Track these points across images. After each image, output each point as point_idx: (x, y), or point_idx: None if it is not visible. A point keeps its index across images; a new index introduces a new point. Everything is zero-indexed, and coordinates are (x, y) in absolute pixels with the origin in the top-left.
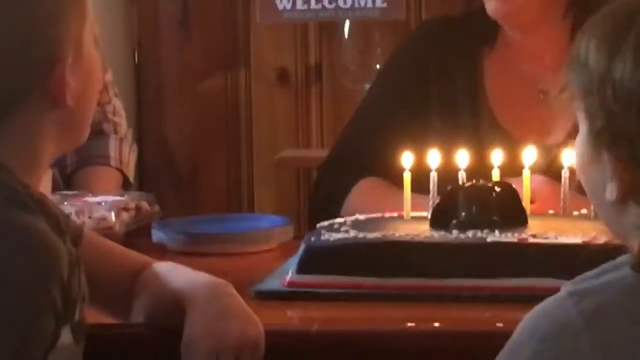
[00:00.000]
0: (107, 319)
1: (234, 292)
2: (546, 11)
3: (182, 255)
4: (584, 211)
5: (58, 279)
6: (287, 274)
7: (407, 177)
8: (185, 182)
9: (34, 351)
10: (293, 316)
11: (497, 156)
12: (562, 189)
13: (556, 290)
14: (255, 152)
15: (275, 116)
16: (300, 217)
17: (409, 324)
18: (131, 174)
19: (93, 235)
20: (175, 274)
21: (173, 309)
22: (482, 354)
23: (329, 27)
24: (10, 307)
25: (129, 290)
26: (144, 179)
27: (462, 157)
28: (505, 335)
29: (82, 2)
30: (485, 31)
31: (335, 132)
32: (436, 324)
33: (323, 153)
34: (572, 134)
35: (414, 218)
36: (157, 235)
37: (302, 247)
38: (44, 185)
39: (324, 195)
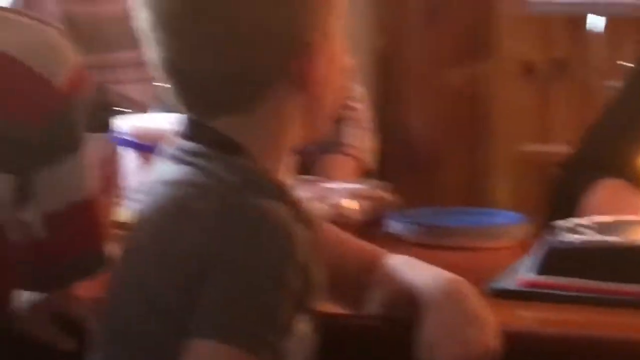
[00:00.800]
0: (340, 309)
1: (472, 290)
2: None
3: (417, 246)
4: None
5: (296, 266)
6: (522, 272)
7: None
8: (424, 172)
9: (272, 336)
10: (528, 317)
11: None
12: None
13: None
14: (497, 144)
15: (518, 109)
16: (539, 213)
17: None
18: (371, 163)
19: (330, 226)
20: (410, 268)
21: (407, 303)
22: None
23: (576, 21)
24: (248, 291)
25: (363, 281)
26: (384, 167)
27: None
28: None
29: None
30: None
31: (579, 129)
32: None
33: (566, 149)
34: None
35: None
36: (392, 225)
37: (542, 247)
38: (286, 171)
39: (562, 192)
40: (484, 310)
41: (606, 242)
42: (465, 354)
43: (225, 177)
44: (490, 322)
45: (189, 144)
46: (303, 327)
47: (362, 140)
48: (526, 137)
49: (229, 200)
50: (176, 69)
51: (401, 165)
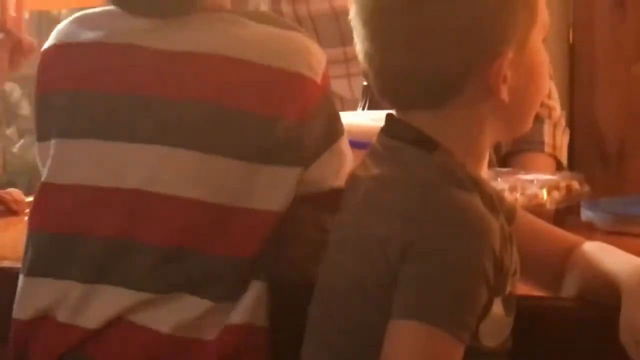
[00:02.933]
0: (537, 293)
1: None
2: None
3: (611, 234)
4: None
5: (491, 253)
6: None
7: None
8: (613, 163)
9: (469, 318)
10: None
11: None
12: None
13: None
14: None
15: None
16: None
17: None
18: (564, 159)
19: (525, 215)
20: (607, 254)
21: (605, 288)
22: None
23: None
24: (447, 277)
25: (560, 266)
26: (574, 159)
27: None
28: None
29: (534, 2)
30: None
31: None
32: None
33: None
34: None
35: None
36: (586, 214)
37: None
38: (483, 169)
39: None
40: None
41: None
42: None
43: (421, 171)
44: None
45: (389, 141)
46: (498, 310)
47: (555, 137)
48: None
49: (427, 193)
50: (375, 63)
51: (591, 157)
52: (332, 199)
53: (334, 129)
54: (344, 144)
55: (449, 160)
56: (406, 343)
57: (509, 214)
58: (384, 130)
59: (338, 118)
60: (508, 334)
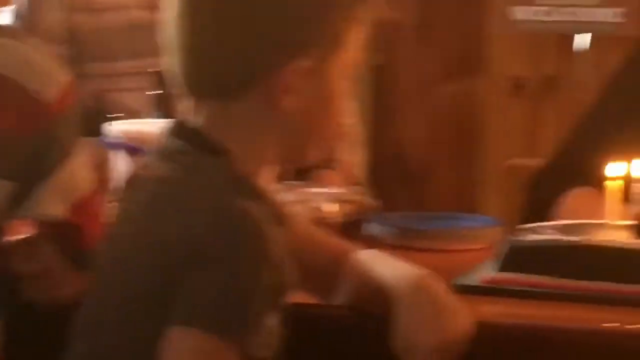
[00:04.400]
0: (312, 301)
1: (440, 282)
2: None
3: (397, 249)
4: None
5: (271, 265)
6: (485, 271)
7: (612, 185)
8: (415, 184)
9: (247, 327)
10: (490, 311)
11: None
12: None
13: None
14: (486, 158)
15: (508, 124)
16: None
17: (604, 325)
18: (358, 177)
19: (301, 221)
20: (379, 262)
21: (376, 295)
22: None
23: (566, 39)
24: (226, 286)
25: (333, 274)
26: (375, 178)
27: None
28: None
29: (342, 31)
30: None
31: None
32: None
33: None
34: None
35: (620, 226)
36: (371, 228)
37: (505, 246)
38: (269, 179)
39: (536, 199)
40: (454, 299)
41: (562, 240)
42: (441, 340)
43: (208, 176)
44: (462, 310)
45: (176, 143)
46: (274, 321)
47: (351, 154)
48: (515, 152)
49: (210, 198)
50: (182, 43)
51: (393, 178)
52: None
53: (61, 150)
54: (78, 159)
55: (235, 168)
56: (184, 350)
57: (289, 224)
58: (172, 131)
59: (68, 140)
60: (280, 345)
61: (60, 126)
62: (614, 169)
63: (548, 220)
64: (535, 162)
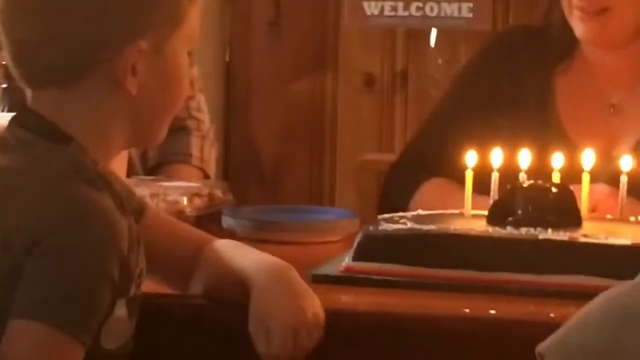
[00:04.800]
0: (165, 291)
1: (296, 273)
2: (636, 32)
3: (252, 242)
4: None
5: (117, 255)
6: (342, 260)
7: (469, 175)
8: (268, 180)
9: (90, 320)
10: (345, 300)
11: (558, 159)
12: (620, 194)
13: (603, 289)
14: (339, 154)
15: (360, 120)
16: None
17: (464, 310)
18: (212, 172)
19: (156, 211)
20: (238, 251)
21: (234, 285)
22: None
23: (416, 35)
24: (69, 276)
25: (189, 264)
26: (229, 175)
27: (524, 158)
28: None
29: (180, 8)
30: (563, 46)
31: None
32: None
33: None
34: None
35: (474, 216)
36: (227, 221)
37: (359, 235)
38: (118, 167)
39: (392, 193)
40: (309, 288)
41: (417, 229)
42: (297, 322)
43: (51, 164)
44: (314, 296)
45: (20, 131)
46: (121, 312)
47: (203, 150)
48: (368, 147)
49: (54, 187)
50: (13, 32)
51: (246, 175)
52: None
53: None
54: None
55: (80, 155)
56: (23, 345)
57: (138, 211)
58: (15, 120)
59: None
60: (130, 336)
61: None
62: (470, 159)
63: (407, 211)
64: (386, 157)
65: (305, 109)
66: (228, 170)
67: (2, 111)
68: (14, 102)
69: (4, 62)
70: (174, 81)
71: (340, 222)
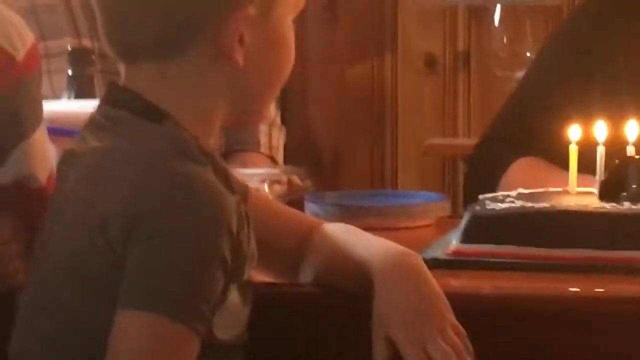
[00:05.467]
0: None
1: (422, 263)
2: None
3: None
4: None
5: (227, 233)
6: (449, 244)
7: (573, 149)
8: (327, 168)
9: (204, 307)
10: (459, 285)
11: None
12: None
13: None
14: (400, 139)
15: (421, 103)
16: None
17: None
18: (280, 158)
19: (259, 195)
20: (354, 237)
21: (352, 274)
22: None
23: (479, 12)
24: (176, 258)
25: (298, 250)
26: (286, 162)
27: (632, 129)
28: None
29: None
30: None
31: (483, 121)
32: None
33: (470, 142)
34: None
35: (580, 193)
36: (310, 207)
37: (466, 216)
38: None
39: (480, 172)
40: (435, 283)
41: (529, 207)
42: (422, 328)
43: (150, 142)
44: (442, 296)
45: (112, 110)
46: (234, 298)
47: (274, 137)
48: (431, 131)
49: (155, 164)
50: (109, 10)
51: (304, 160)
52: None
53: (36, 111)
54: (43, 133)
55: (178, 131)
56: (134, 336)
57: (243, 193)
58: (106, 99)
59: (39, 101)
60: (244, 325)
61: (32, 86)
62: (574, 133)
63: (494, 191)
64: (449, 141)
65: (364, 93)
66: (285, 158)
67: (69, 98)
68: (80, 88)
69: (70, 48)
70: (281, 50)
71: (430, 206)
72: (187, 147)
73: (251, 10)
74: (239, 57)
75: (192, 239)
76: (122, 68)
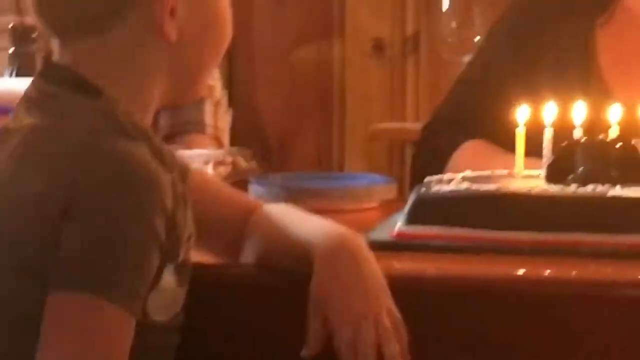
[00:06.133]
0: (216, 260)
1: (364, 245)
2: None
3: None
4: None
5: (161, 211)
6: (394, 226)
7: (520, 132)
8: (274, 151)
9: (139, 286)
10: (402, 267)
11: (616, 112)
12: None
13: None
14: (348, 123)
15: (369, 87)
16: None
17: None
18: (226, 140)
19: (201, 174)
20: (296, 217)
21: (293, 254)
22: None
23: None
24: (114, 238)
25: (239, 230)
26: (233, 144)
27: (579, 112)
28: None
29: None
30: None
31: (431, 105)
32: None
33: (418, 126)
34: None
35: (526, 176)
36: (255, 189)
37: (411, 198)
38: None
39: (427, 154)
40: (375, 266)
41: (475, 189)
42: (356, 310)
43: (83, 118)
44: (381, 279)
45: (47, 86)
46: (170, 279)
47: (219, 118)
48: (379, 115)
49: (87, 141)
50: None
51: (251, 143)
52: None
53: None
54: None
55: (113, 107)
56: (68, 317)
57: (182, 172)
58: (40, 74)
59: None
60: (180, 307)
61: None
62: (521, 116)
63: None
64: (398, 125)
65: (312, 77)
66: (232, 140)
67: (10, 76)
68: (21, 66)
69: (10, 25)
70: (216, 25)
71: (376, 188)
72: (120, 123)
73: None
74: (172, 31)
75: (127, 218)
76: (56, 44)
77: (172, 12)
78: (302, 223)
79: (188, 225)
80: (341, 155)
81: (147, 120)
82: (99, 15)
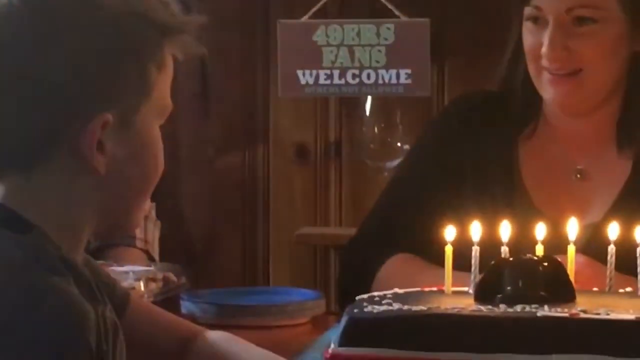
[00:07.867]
0: None
1: None
2: (605, 97)
3: (213, 327)
4: (628, 289)
5: (85, 347)
6: (328, 346)
7: (449, 249)
8: (200, 257)
9: None
10: None
11: (541, 230)
12: (608, 265)
13: None
14: (272, 228)
15: (293, 192)
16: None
17: None
18: (156, 253)
19: (139, 300)
20: (237, 347)
21: None
22: None
23: (350, 103)
24: None
25: (179, 356)
26: (160, 253)
27: (505, 230)
28: None
29: (147, 77)
30: (525, 112)
31: (354, 210)
32: None
33: (341, 231)
34: (611, 213)
35: (455, 293)
36: (186, 306)
37: (344, 318)
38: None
39: (354, 270)
40: None
41: (406, 310)
42: None
43: (11, 255)
44: None
45: None
46: None
47: (147, 231)
48: (303, 220)
49: (6, 277)
50: None
51: (177, 250)
52: None
53: None
54: None
55: (41, 242)
56: None
57: (122, 301)
58: None
59: None
60: None
61: None
62: (449, 233)
63: (368, 289)
64: (322, 230)
65: (236, 182)
66: (160, 251)
67: None
68: None
69: None
70: (146, 157)
71: (306, 304)
72: (47, 258)
73: (108, 117)
74: (100, 166)
75: (45, 353)
76: None
77: (100, 146)
78: (243, 354)
79: (118, 355)
80: (266, 261)
81: (79, 253)
82: (27, 151)
